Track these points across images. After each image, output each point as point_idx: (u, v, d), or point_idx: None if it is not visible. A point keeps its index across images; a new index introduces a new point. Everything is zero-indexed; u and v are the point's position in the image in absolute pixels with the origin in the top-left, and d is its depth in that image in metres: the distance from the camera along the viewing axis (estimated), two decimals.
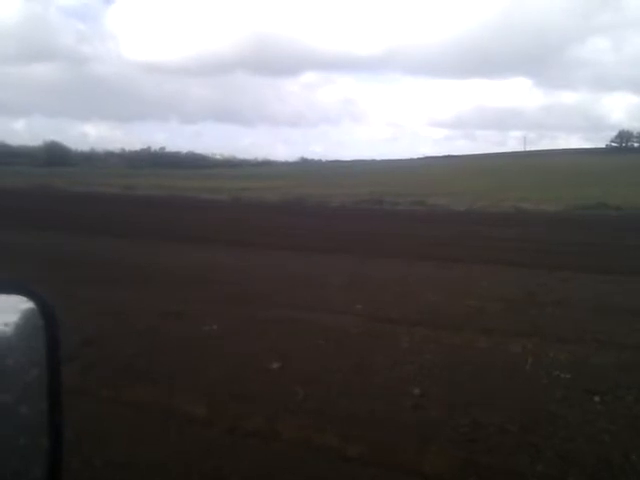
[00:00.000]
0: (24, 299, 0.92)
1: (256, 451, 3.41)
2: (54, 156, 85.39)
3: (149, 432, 3.63)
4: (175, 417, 3.84)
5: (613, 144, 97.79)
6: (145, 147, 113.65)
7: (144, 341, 5.37)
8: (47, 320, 0.92)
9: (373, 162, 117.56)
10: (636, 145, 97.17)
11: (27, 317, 0.91)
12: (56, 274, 8.07)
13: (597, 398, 4.15)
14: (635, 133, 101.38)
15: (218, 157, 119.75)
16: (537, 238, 15.44)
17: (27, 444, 0.87)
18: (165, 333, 5.68)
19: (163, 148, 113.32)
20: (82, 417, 3.56)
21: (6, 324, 0.89)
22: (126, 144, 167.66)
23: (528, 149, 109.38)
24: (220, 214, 21.56)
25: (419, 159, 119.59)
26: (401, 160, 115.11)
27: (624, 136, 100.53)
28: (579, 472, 3.19)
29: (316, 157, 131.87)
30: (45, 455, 0.88)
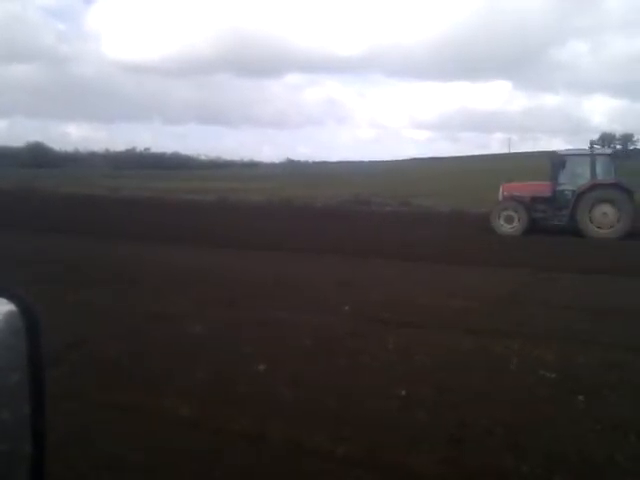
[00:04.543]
0: (4, 300, 0.89)
1: (244, 453, 3.39)
2: (37, 157, 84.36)
3: (136, 435, 3.60)
4: (163, 419, 3.82)
5: (596, 147, 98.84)
6: (130, 148, 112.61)
7: (130, 343, 5.31)
8: (28, 322, 0.90)
9: (360, 163, 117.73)
10: (618, 148, 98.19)
11: (7, 319, 0.88)
12: (44, 275, 8.02)
13: (582, 398, 4.19)
14: (617, 136, 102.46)
15: (203, 158, 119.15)
16: (521, 239, 15.60)
17: (9, 450, 0.85)
18: (152, 335, 5.62)
19: (148, 149, 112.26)
20: (67, 420, 3.52)
21: None
22: (110, 145, 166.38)
23: (513, 151, 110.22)
24: (208, 215, 21.43)
25: (404, 160, 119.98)
26: (387, 162, 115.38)
27: (606, 139, 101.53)
28: (565, 472, 3.22)
29: (302, 158, 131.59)
30: (27, 461, 0.86)
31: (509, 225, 17.06)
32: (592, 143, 17.56)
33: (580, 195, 16.27)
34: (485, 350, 5.28)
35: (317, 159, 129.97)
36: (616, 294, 8.17)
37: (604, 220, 16.08)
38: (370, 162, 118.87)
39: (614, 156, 17.59)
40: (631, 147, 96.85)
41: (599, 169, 16.48)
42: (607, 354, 5.18)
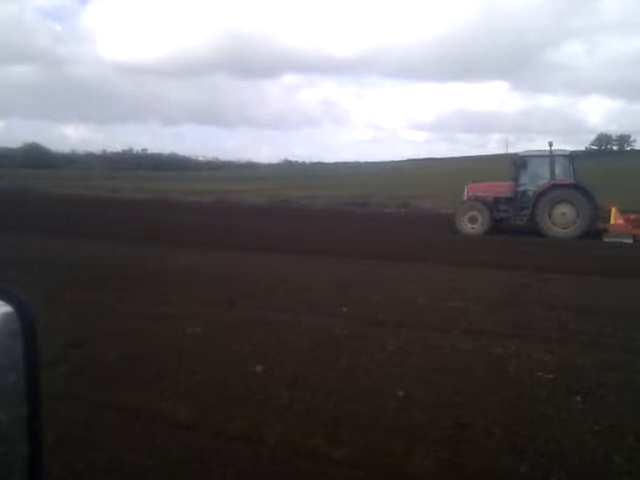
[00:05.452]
0: (0, 302, 0.89)
1: (243, 455, 3.38)
2: (34, 158, 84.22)
3: (135, 436, 3.59)
4: (161, 421, 3.81)
5: (593, 147, 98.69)
6: (127, 149, 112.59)
7: (130, 344, 5.30)
8: (25, 323, 0.89)
9: (357, 164, 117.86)
10: (615, 148, 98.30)
11: (3, 321, 0.88)
12: (45, 276, 8.09)
13: (580, 398, 4.19)
14: (614, 136, 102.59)
15: (201, 159, 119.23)
16: (518, 239, 15.63)
17: (6, 451, 0.85)
18: (151, 336, 5.61)
19: (145, 150, 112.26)
20: (66, 421, 3.52)
21: None
22: (107, 146, 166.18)
23: (510, 152, 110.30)
24: (207, 216, 21.42)
25: (402, 161, 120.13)
26: (384, 162, 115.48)
27: (603, 139, 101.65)
28: (563, 473, 3.22)
29: (300, 159, 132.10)
30: (25, 462, 0.86)
31: (472, 225, 17.54)
32: (551, 144, 17.80)
33: (539, 195, 16.75)
34: (483, 351, 5.28)
35: (314, 160, 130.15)
36: (614, 295, 8.18)
37: (563, 220, 16.56)
38: (367, 163, 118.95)
39: (573, 157, 17.89)
40: (628, 148, 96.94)
41: (558, 170, 16.93)
42: (605, 355, 5.19)
